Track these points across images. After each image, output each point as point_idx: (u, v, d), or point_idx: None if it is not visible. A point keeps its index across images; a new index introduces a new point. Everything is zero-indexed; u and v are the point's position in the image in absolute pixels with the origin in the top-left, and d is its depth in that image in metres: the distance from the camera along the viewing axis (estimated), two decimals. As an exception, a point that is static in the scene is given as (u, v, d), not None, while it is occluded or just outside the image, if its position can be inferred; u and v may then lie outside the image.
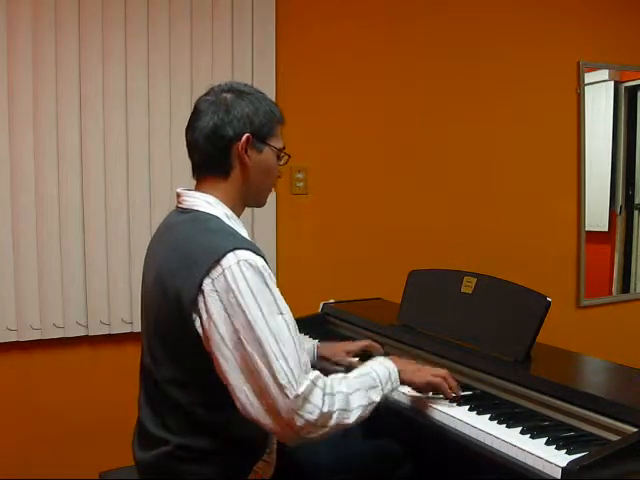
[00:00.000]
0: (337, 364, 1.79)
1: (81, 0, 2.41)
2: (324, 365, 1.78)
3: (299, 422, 1.24)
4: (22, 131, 2.37)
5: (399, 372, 1.46)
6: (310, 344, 1.84)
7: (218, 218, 1.39)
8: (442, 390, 1.52)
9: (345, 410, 1.30)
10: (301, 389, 1.24)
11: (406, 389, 1.55)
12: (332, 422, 1.28)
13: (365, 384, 1.37)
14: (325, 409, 1.26)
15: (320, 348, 1.83)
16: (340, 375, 1.37)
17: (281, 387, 1.23)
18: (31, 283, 2.42)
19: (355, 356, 1.81)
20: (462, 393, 1.56)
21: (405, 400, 1.59)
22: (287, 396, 1.22)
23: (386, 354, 1.72)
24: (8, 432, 2.45)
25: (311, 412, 1.25)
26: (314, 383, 1.27)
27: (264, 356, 1.23)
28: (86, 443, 2.53)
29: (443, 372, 1.54)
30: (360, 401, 1.33)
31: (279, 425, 1.24)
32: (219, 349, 1.26)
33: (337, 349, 1.83)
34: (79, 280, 2.49)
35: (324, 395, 1.27)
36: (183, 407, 1.35)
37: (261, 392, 1.24)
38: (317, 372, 1.30)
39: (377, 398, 1.37)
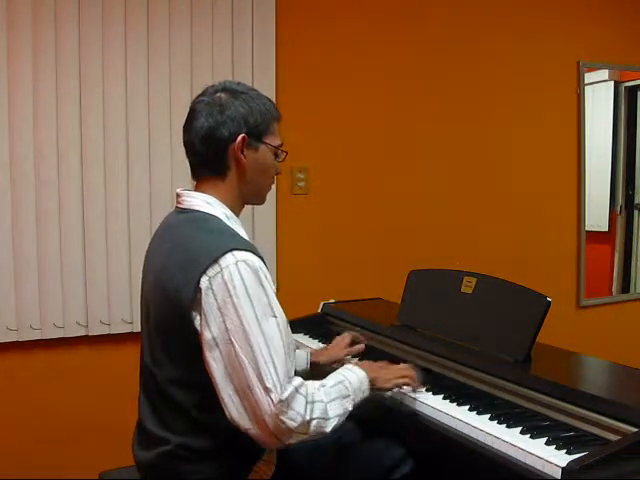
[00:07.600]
0: (334, 363, 1.77)
1: (81, 0, 2.41)
2: (320, 371, 1.73)
3: (280, 427, 1.24)
4: (22, 132, 2.37)
5: (371, 381, 1.47)
6: (304, 352, 1.80)
7: (217, 218, 1.39)
8: (408, 386, 1.60)
9: (324, 419, 1.31)
10: (285, 394, 1.24)
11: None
12: (311, 429, 1.29)
13: (340, 393, 1.38)
14: (307, 417, 1.28)
15: (313, 355, 1.80)
16: (317, 383, 1.37)
17: (267, 390, 1.23)
18: (31, 283, 2.41)
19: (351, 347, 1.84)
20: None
21: (405, 400, 1.59)
22: (272, 400, 1.23)
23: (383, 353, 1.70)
24: (8, 432, 2.44)
25: (293, 419, 1.25)
26: (297, 390, 1.28)
27: (253, 359, 1.24)
28: (86, 443, 2.52)
29: (408, 372, 1.59)
30: (337, 410, 1.35)
31: (260, 428, 1.25)
32: (209, 348, 1.27)
33: (330, 349, 1.84)
34: (79, 280, 2.49)
35: (306, 403, 1.28)
36: (183, 407, 1.35)
37: (245, 394, 1.24)
38: (300, 379, 1.31)
39: (350, 407, 1.39)
